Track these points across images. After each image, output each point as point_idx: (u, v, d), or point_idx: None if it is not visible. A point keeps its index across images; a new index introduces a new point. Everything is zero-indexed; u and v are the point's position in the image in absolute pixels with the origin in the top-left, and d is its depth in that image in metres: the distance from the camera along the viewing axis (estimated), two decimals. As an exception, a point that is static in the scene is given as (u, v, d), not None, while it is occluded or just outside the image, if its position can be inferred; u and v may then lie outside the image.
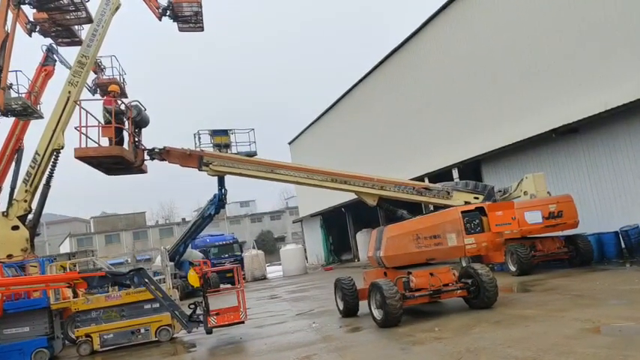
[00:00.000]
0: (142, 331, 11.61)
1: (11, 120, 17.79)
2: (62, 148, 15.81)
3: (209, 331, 10.50)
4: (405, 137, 25.94)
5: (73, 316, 12.03)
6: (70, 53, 18.51)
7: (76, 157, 13.15)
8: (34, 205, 15.85)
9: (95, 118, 13.70)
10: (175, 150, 14.36)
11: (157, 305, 11.28)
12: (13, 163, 17.49)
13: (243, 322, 10.73)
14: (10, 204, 15.68)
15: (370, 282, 9.99)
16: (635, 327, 6.79)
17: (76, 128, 13.36)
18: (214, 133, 20.99)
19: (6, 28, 15.45)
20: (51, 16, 17.32)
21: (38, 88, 18.27)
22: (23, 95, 17.25)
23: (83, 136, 13.27)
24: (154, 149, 14.51)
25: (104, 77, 20.57)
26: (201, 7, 18.99)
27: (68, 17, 17.32)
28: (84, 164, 13.77)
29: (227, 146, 21.15)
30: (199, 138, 20.99)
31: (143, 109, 14.54)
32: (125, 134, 14.04)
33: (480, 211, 9.28)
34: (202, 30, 19.91)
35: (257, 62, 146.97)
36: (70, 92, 15.93)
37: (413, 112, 24.98)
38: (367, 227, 30.51)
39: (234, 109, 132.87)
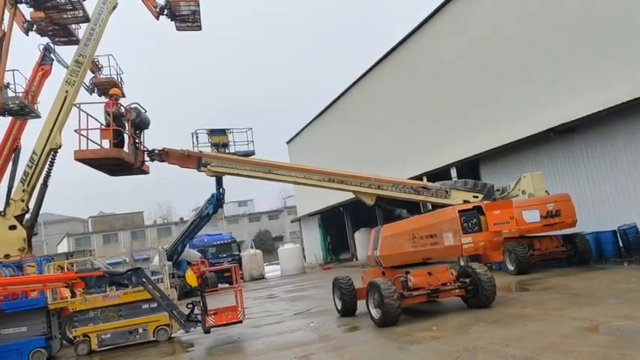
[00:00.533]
0: (140, 330, 11.59)
1: (8, 119, 17.78)
2: (59, 147, 15.76)
3: (207, 331, 10.50)
4: (403, 136, 25.93)
5: (70, 316, 12.02)
6: (67, 52, 18.49)
7: (76, 159, 13.29)
8: (31, 205, 15.80)
9: (96, 120, 13.77)
10: (174, 151, 14.45)
11: (155, 305, 11.26)
12: (11, 163, 17.46)
13: (241, 322, 10.71)
14: (7, 203, 15.64)
15: (368, 281, 9.98)
16: (633, 326, 6.79)
17: (75, 131, 13.44)
18: (212, 132, 20.97)
19: (3, 27, 15.43)
20: (48, 15, 17.29)
21: (35, 88, 18.24)
22: (20, 94, 17.24)
23: (83, 138, 13.36)
24: (153, 150, 14.60)
25: (101, 76, 20.52)
26: (198, 5, 18.96)
27: (65, 16, 17.30)
28: (84, 165, 13.85)
29: (225, 145, 21.16)
30: (197, 137, 20.96)
31: (143, 110, 14.58)
32: (125, 136, 14.12)
33: (478, 210, 9.23)
34: (200, 29, 19.88)
35: (255, 60, 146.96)
36: (67, 91, 15.87)
37: (411, 111, 24.98)
38: (365, 226, 30.50)
39: (232, 109, 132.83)
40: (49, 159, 15.73)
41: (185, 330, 10.67)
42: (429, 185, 13.59)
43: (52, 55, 18.64)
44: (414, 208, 17.05)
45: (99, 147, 13.55)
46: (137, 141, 14.58)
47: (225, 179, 16.55)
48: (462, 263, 11.65)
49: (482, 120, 20.08)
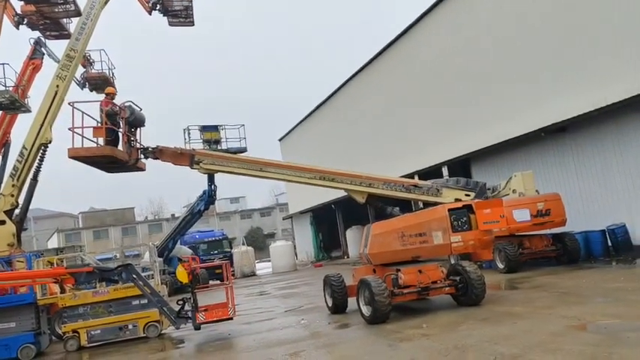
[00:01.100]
0: (130, 327, 11.57)
1: (-2, 113, 17.63)
2: (50, 142, 15.67)
3: (197, 328, 10.48)
4: (395, 135, 25.98)
5: (60, 312, 11.97)
6: (58, 47, 18.36)
7: (70, 157, 13.34)
8: (21, 200, 15.69)
9: (92, 117, 13.78)
10: (167, 149, 14.50)
11: (145, 301, 11.24)
12: (0, 157, 17.32)
13: (231, 319, 10.71)
14: (-4, 198, 15.54)
15: (359, 279, 10.01)
16: (620, 324, 6.86)
17: (69, 129, 13.43)
18: (204, 128, 20.95)
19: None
20: (39, 8, 17.15)
21: (26, 82, 18.09)
22: (10, 89, 17.08)
23: (77, 136, 13.36)
24: (147, 148, 14.64)
25: (93, 71, 20.38)
26: (191, 1, 18.90)
27: (56, 10, 17.17)
28: (77, 162, 13.83)
29: (217, 142, 21.16)
30: (189, 133, 20.95)
31: (138, 108, 14.59)
32: (120, 134, 14.15)
33: (468, 208, 9.26)
34: (193, 24, 19.82)
35: (247, 56, 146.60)
36: (58, 86, 15.78)
37: (404, 110, 25.02)
38: (357, 224, 30.54)
39: (224, 104, 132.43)
40: (40, 154, 15.63)
41: (175, 326, 10.65)
42: (421, 183, 13.59)
43: (42, 49, 18.48)
44: (406, 206, 17.10)
45: (95, 144, 13.57)
46: (132, 139, 14.60)
47: (218, 176, 16.52)
48: (453, 261, 11.71)
49: (473, 119, 20.16)
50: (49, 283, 11.48)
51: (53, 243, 65.71)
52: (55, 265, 13.26)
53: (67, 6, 16.88)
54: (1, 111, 17.26)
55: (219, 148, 20.65)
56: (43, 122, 15.54)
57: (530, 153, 17.76)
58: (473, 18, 19.82)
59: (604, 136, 15.19)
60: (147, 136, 16.19)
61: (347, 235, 32.89)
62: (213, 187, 19.34)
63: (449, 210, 9.20)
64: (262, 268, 39.32)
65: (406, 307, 10.41)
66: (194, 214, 22.55)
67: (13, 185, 15.44)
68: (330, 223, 36.68)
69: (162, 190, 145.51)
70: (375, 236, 11.11)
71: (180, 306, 10.60)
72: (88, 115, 13.67)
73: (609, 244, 14.69)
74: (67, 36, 17.88)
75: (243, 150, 21.42)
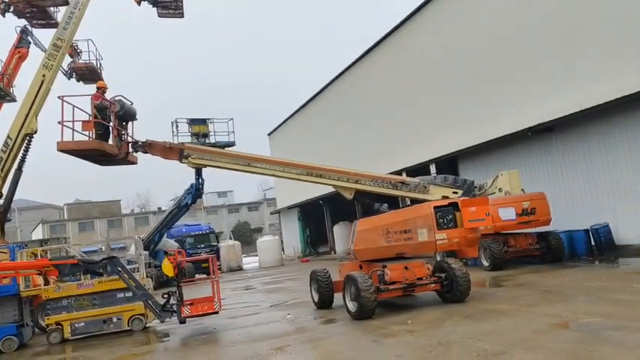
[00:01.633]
0: (115, 320, 11.49)
1: (-18, 102, 17.36)
2: (35, 132, 15.46)
3: (182, 321, 10.44)
4: (384, 131, 26.03)
5: (43, 304, 11.84)
6: (45, 36, 18.07)
7: (59, 150, 13.42)
8: (5, 190, 15.48)
9: (82, 110, 13.74)
10: (157, 143, 14.56)
11: (130, 294, 11.16)
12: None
13: (217, 313, 10.68)
14: (-21, 189, 15.30)
15: (345, 274, 10.03)
16: (601, 323, 6.96)
17: (59, 123, 13.38)
18: (192, 121, 20.80)
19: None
20: (26, -4, 16.88)
21: (11, 71, 17.81)
22: (-5, 77, 16.83)
23: (66, 129, 13.43)
24: (137, 142, 14.65)
25: (80, 61, 20.13)
26: (180, -8, 18.70)
27: (44, -2, 16.90)
28: (65, 154, 13.82)
29: (205, 135, 21.03)
30: (177, 126, 20.78)
31: (128, 102, 14.58)
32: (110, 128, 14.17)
33: (454, 206, 9.29)
34: (182, 16, 19.62)
35: (239, 49, 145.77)
36: (44, 76, 15.55)
37: (392, 107, 25.07)
38: (345, 220, 30.61)
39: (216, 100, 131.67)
40: (24, 144, 15.42)
41: (160, 320, 10.60)
42: (408, 180, 13.66)
43: (29, 37, 18.17)
44: (395, 203, 17.18)
45: (87, 138, 13.59)
46: (122, 132, 14.59)
47: (206, 169, 16.50)
48: (439, 258, 11.78)
49: (461, 117, 20.27)
50: (33, 274, 11.35)
51: (38, 234, 65.05)
52: (39, 257, 13.11)
53: (55, -6, 16.64)
54: (-15, 100, 17.00)
55: (207, 141, 20.53)
56: (29, 112, 15.32)
57: (518, 152, 17.91)
58: (462, 18, 19.88)
59: (590, 136, 15.36)
60: (142, 131, 16.08)
61: (334, 230, 32.93)
62: (200, 180, 19.20)
63: (434, 207, 9.20)
64: (249, 262, 39.28)
65: (392, 303, 10.45)
66: (181, 208, 22.41)
67: (-4, 175, 15.22)
68: (317, 219, 36.71)
69: (149, 183, 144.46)
70: (360, 232, 11.14)
71: (165, 299, 10.55)
72: (79, 108, 13.65)
73: (593, 243, 14.89)
74: (54, 25, 17.62)
75: (232, 144, 21.30)
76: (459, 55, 20.07)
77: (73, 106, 13.44)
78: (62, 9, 17.12)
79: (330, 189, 14.16)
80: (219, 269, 30.34)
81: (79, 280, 12.11)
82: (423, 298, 10.75)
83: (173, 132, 20.54)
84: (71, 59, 19.95)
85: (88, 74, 20.16)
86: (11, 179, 15.59)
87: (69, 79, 20.12)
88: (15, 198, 16.17)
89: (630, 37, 13.76)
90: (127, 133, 14.79)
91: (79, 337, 11.32)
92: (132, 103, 14.72)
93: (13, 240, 27.23)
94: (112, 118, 14.05)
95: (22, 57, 18.11)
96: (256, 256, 37.02)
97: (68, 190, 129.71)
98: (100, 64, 20.47)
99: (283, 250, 39.76)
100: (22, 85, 16.62)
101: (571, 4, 15.49)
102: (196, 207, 63.33)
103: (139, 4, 18.42)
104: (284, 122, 40.86)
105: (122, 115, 14.40)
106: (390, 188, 13.42)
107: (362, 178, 13.46)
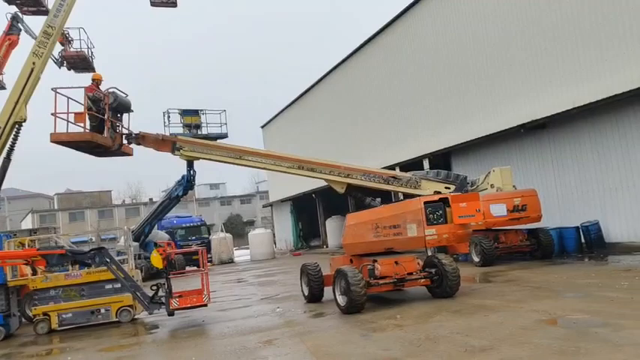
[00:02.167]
0: (103, 311, 11.44)
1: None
2: (24, 120, 15.26)
3: (171, 313, 10.41)
4: (377, 126, 25.99)
5: (30, 294, 11.76)
6: (36, 23, 17.83)
7: (52, 142, 13.41)
8: (-7, 179, 15.30)
9: (77, 101, 13.66)
10: (149, 135, 14.58)
11: (119, 285, 11.10)
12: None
13: (206, 305, 10.64)
14: (-33, 177, 15.11)
15: (336, 268, 10.02)
16: (589, 320, 6.98)
17: (52, 114, 13.30)
18: (184, 112, 20.65)
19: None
20: (16, -18, 16.65)
21: (1, 58, 17.60)
22: (-15, 64, 16.60)
23: (59, 121, 13.39)
24: (130, 134, 14.63)
25: (71, 50, 19.88)
26: (173, -19, 18.47)
27: (34, -15, 16.67)
28: (56, 145, 13.77)
29: (197, 127, 20.91)
30: (169, 117, 20.61)
31: (123, 94, 14.52)
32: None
33: (444, 202, 9.28)
34: (175, 5, 19.37)
35: (236, 44, 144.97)
36: (34, 63, 15.32)
37: (386, 102, 25.03)
38: (337, 214, 30.62)
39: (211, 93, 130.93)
40: (14, 132, 15.24)
41: (148, 312, 10.55)
42: (400, 175, 13.64)
43: (20, 24, 17.93)
44: (388, 197, 17.18)
45: (82, 129, 13.55)
46: (117, 124, 14.55)
47: (199, 161, 16.47)
48: (429, 253, 11.79)
49: (454, 113, 20.27)
50: (20, 264, 11.25)
51: (27, 224, 64.64)
52: (27, 247, 13.00)
53: (46, -19, 16.41)
54: (-26, 87, 16.78)
55: (199, 132, 20.41)
56: (18, 100, 15.12)
57: (510, 148, 17.95)
58: (456, 14, 19.83)
59: (582, 134, 15.42)
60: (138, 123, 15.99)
61: (327, 224, 32.95)
62: (192, 172, 19.09)
63: (424, 203, 9.20)
64: (240, 255, 39.23)
65: (381, 297, 10.47)
66: (172, 200, 22.28)
67: (-15, 164, 15.04)
68: (310, 213, 36.70)
69: (140, 174, 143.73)
70: (350, 227, 11.12)
71: (154, 291, 10.50)
72: (72, 99, 13.60)
73: (582, 240, 14.97)
74: (45, 12, 17.37)
75: (224, 136, 21.20)
76: (453, 51, 20.04)
77: (68, 97, 13.39)
78: (53, -4, 16.88)
79: (323, 182, 14.13)
80: (210, 262, 30.26)
81: (67, 270, 12.02)
82: (412, 293, 10.77)
83: (165, 122, 20.40)
84: (62, 47, 19.71)
85: (79, 63, 19.90)
86: (0, 168, 15.42)
87: (60, 67, 19.86)
88: (4, 187, 16.00)
89: (623, 37, 13.76)
90: (122, 125, 14.74)
91: (66, 327, 11.27)
92: (126, 95, 14.68)
93: (3, 229, 27.03)
94: (105, 109, 14.00)
95: (12, 44, 17.87)
96: (248, 249, 36.97)
97: (59, 180, 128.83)
98: (92, 53, 20.23)
99: (275, 243, 39.73)
100: (13, 73, 16.41)
101: (565, 2, 15.46)
102: (188, 199, 63.20)
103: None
104: (278, 115, 40.69)
105: (116, 107, 14.37)
106: (381, 183, 13.41)
107: (353, 172, 13.45)
